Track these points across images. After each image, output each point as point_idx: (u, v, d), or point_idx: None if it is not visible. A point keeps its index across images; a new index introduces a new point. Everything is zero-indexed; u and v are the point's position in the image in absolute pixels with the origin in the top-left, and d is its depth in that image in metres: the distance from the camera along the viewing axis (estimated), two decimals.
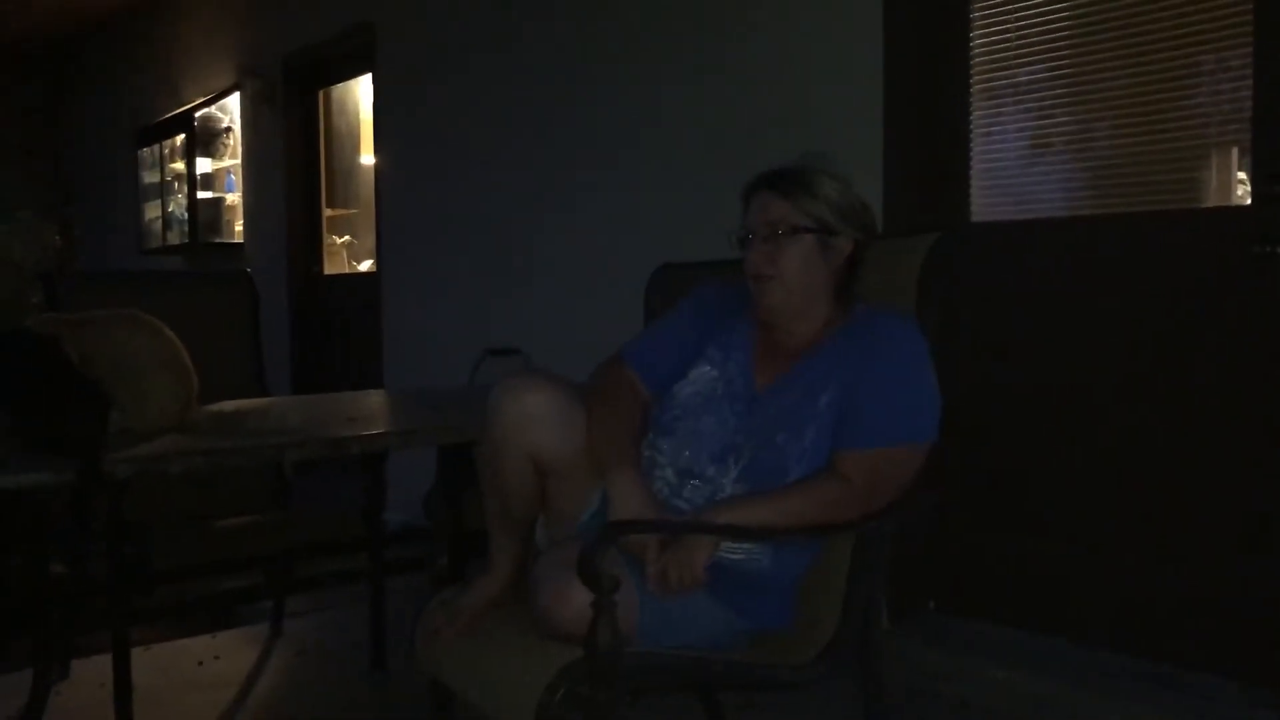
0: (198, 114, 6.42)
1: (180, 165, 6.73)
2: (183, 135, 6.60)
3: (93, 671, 2.88)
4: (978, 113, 3.07)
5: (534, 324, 4.40)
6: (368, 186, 6.14)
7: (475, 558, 2.82)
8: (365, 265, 6.07)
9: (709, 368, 1.85)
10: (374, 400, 3.02)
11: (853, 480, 1.68)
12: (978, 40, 3.05)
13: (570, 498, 1.82)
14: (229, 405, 2.44)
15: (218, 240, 6.50)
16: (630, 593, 1.60)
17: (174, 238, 6.79)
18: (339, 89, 6.06)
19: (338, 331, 5.89)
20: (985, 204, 3.09)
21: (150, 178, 7.13)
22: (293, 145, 5.98)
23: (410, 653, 1.90)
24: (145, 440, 2.04)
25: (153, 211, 7.14)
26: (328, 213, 6.10)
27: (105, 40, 7.90)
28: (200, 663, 3.12)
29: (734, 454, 1.75)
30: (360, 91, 5.97)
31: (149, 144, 7.05)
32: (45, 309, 5.33)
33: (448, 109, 4.81)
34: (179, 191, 6.78)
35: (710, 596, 1.70)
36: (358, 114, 6.13)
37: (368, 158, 6.04)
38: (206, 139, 6.46)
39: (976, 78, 3.06)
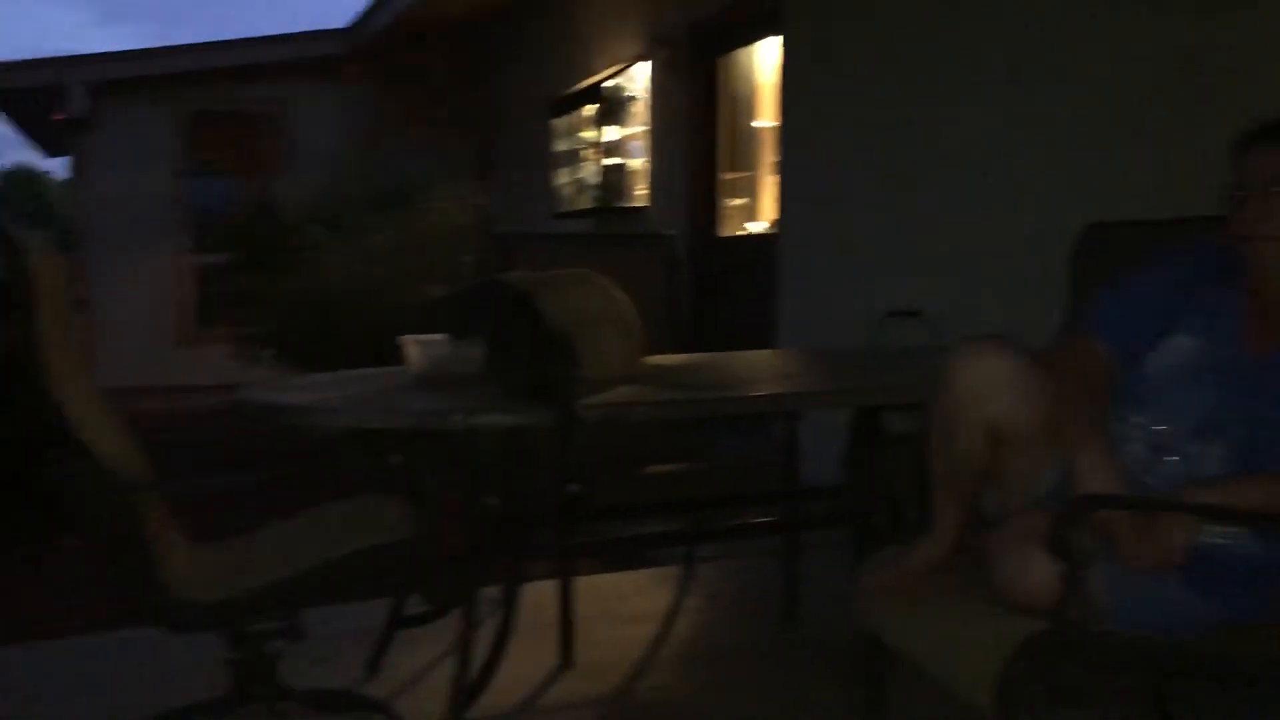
0: (607, 84, 6.79)
1: (590, 134, 7.16)
2: (594, 105, 7.02)
3: (529, 597, 3.17)
4: None
5: (939, 286, 4.31)
6: (760, 149, 6.26)
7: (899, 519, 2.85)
8: (756, 227, 6.19)
9: (1186, 337, 1.73)
10: (795, 359, 3.08)
11: None
12: None
13: (1027, 469, 1.78)
14: (668, 359, 2.59)
15: (622, 205, 6.86)
16: (1099, 568, 1.55)
17: (583, 203, 7.25)
18: (740, 53, 6.19)
19: (733, 291, 6.05)
20: None
21: (562, 145, 7.64)
22: (694, 111, 6.20)
23: (853, 607, 1.94)
24: (598, 390, 2.21)
25: (564, 177, 7.65)
26: (725, 176, 6.27)
27: (526, 15, 8.51)
28: (623, 598, 3.36)
29: (1217, 430, 1.63)
30: (758, 56, 6.06)
31: (561, 114, 7.56)
32: (474, 268, 5.90)
33: (858, 67, 4.78)
34: (589, 159, 7.22)
35: (1184, 581, 1.60)
36: (754, 78, 6.23)
37: (765, 121, 6.14)
38: (614, 108, 6.83)
39: None
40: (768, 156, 6.04)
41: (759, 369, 2.62)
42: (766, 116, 6.02)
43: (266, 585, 2.02)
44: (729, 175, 6.33)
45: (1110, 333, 1.81)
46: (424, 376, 2.32)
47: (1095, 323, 1.83)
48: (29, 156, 48.55)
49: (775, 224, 5.52)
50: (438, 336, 2.40)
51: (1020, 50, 3.89)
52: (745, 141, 6.40)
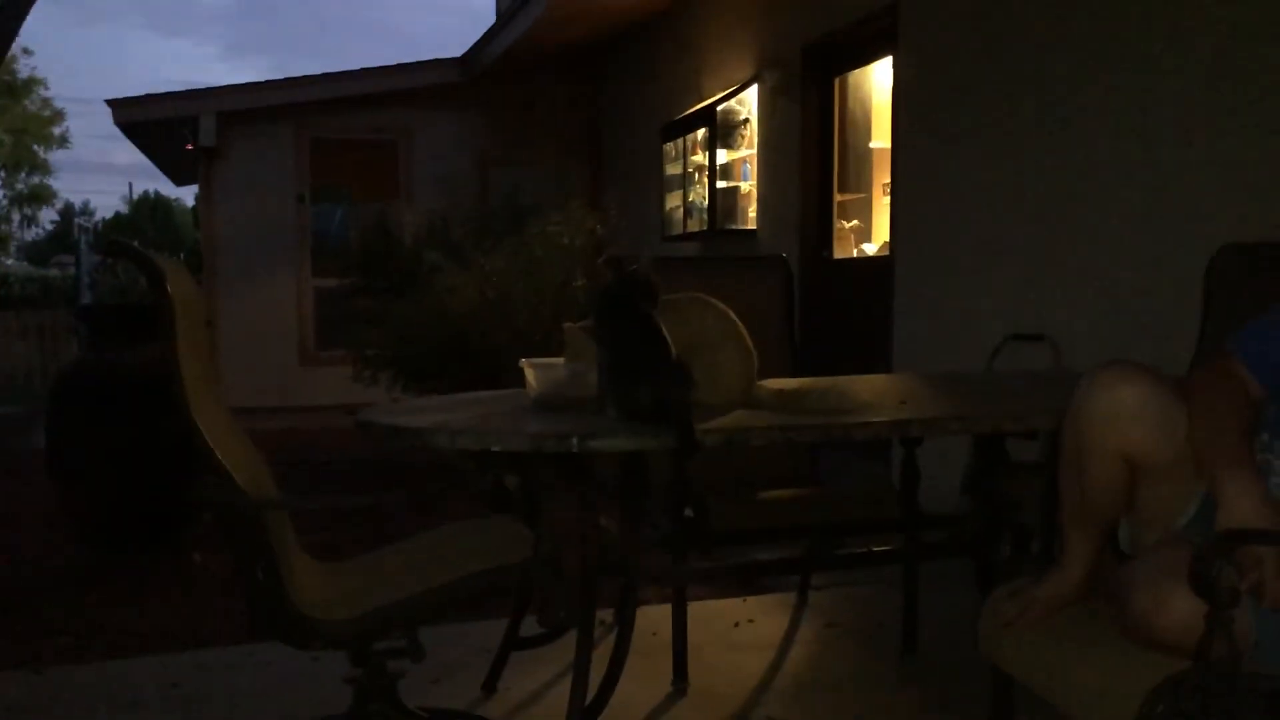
0: (719, 107, 6.80)
1: (700, 157, 7.17)
2: (704, 129, 7.03)
3: (641, 621, 3.16)
4: None
5: (1061, 310, 4.19)
6: (875, 170, 6.19)
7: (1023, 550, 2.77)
8: (869, 248, 6.11)
9: None
10: (914, 383, 3.02)
11: None
12: None
13: (1164, 500, 1.71)
14: (789, 383, 2.56)
15: (733, 227, 6.85)
16: (1244, 607, 1.47)
17: (693, 225, 7.26)
18: (853, 75, 6.14)
19: (845, 314, 5.98)
20: None
21: (672, 169, 7.67)
22: (808, 132, 6.16)
23: (979, 640, 1.88)
24: (715, 414, 2.19)
25: (673, 201, 7.68)
26: (838, 198, 6.21)
27: (640, 39, 8.58)
28: (736, 624, 3.33)
29: None
30: (874, 76, 6.01)
31: (673, 139, 7.58)
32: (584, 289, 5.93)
33: (976, 85, 4.70)
34: (699, 181, 7.23)
35: None
36: (870, 98, 6.18)
37: (877, 142, 6.07)
38: (725, 131, 6.83)
39: None
40: (882, 177, 5.96)
41: (878, 393, 2.57)
42: (881, 137, 5.95)
43: (389, 604, 2.06)
44: (842, 197, 6.28)
45: (1254, 356, 1.73)
46: (542, 399, 2.34)
47: (1241, 350, 1.75)
48: (158, 184, 50.81)
49: (890, 246, 5.45)
50: (556, 360, 2.43)
51: (1152, 67, 3.77)
52: (859, 162, 6.34)
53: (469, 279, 5.98)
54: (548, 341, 4.80)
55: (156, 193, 41.84)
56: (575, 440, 1.96)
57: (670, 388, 2.04)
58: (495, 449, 2.02)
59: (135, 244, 1.99)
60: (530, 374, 2.38)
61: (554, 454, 2.05)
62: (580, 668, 2.24)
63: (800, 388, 2.43)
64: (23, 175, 32.87)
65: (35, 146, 32.13)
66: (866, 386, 2.67)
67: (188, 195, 37.77)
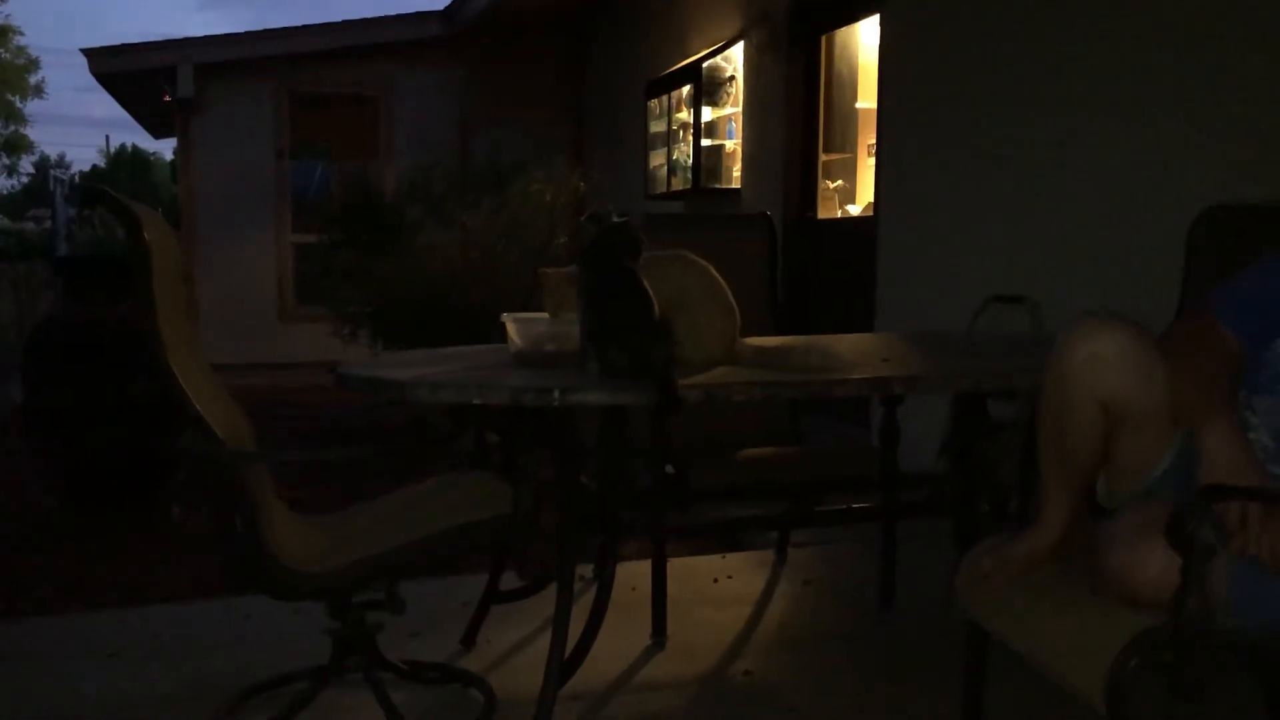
0: (704, 64, 6.74)
1: (685, 114, 7.12)
2: (689, 86, 6.98)
3: (620, 576, 3.17)
4: None
5: (1044, 271, 4.19)
6: (860, 130, 6.16)
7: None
8: (853, 210, 6.10)
9: None
10: (896, 342, 3.03)
11: None
12: None
13: (1141, 451, 1.71)
14: (771, 341, 2.56)
15: (716, 186, 6.82)
16: (1220, 561, 1.48)
17: (677, 184, 7.22)
18: (840, 34, 6.10)
19: (828, 274, 5.98)
20: None
21: (656, 127, 7.61)
22: (793, 91, 6.12)
23: (956, 595, 1.90)
24: (697, 371, 2.19)
25: (657, 159, 7.63)
26: (823, 157, 6.19)
27: None
28: (715, 580, 3.35)
29: None
30: (861, 35, 5.96)
31: (657, 95, 7.52)
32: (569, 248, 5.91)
33: (961, 46, 4.67)
34: (683, 140, 7.18)
35: None
36: (856, 58, 6.13)
37: (863, 102, 6.04)
38: (710, 89, 6.78)
39: None
40: (867, 138, 5.94)
41: (861, 352, 2.57)
42: (866, 97, 5.91)
43: (370, 556, 2.06)
44: (827, 157, 6.25)
45: (1236, 319, 1.73)
46: (523, 354, 2.33)
47: (1221, 308, 1.76)
48: (135, 137, 50.17)
49: (874, 206, 5.44)
50: (538, 315, 2.41)
51: (1136, 28, 3.76)
52: (844, 122, 6.31)
53: (450, 237, 5.94)
54: (528, 300, 4.78)
55: (134, 146, 41.39)
56: (557, 394, 1.96)
57: (652, 344, 2.03)
58: (476, 402, 2.01)
59: (110, 191, 1.96)
60: (512, 329, 2.37)
61: (534, 409, 2.04)
62: (560, 621, 2.25)
63: (782, 346, 2.42)
64: None
65: (10, 96, 31.70)
66: (849, 345, 2.67)
67: (166, 150, 37.41)
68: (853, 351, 2.52)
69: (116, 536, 4.09)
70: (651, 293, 2.15)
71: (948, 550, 3.11)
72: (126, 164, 40.56)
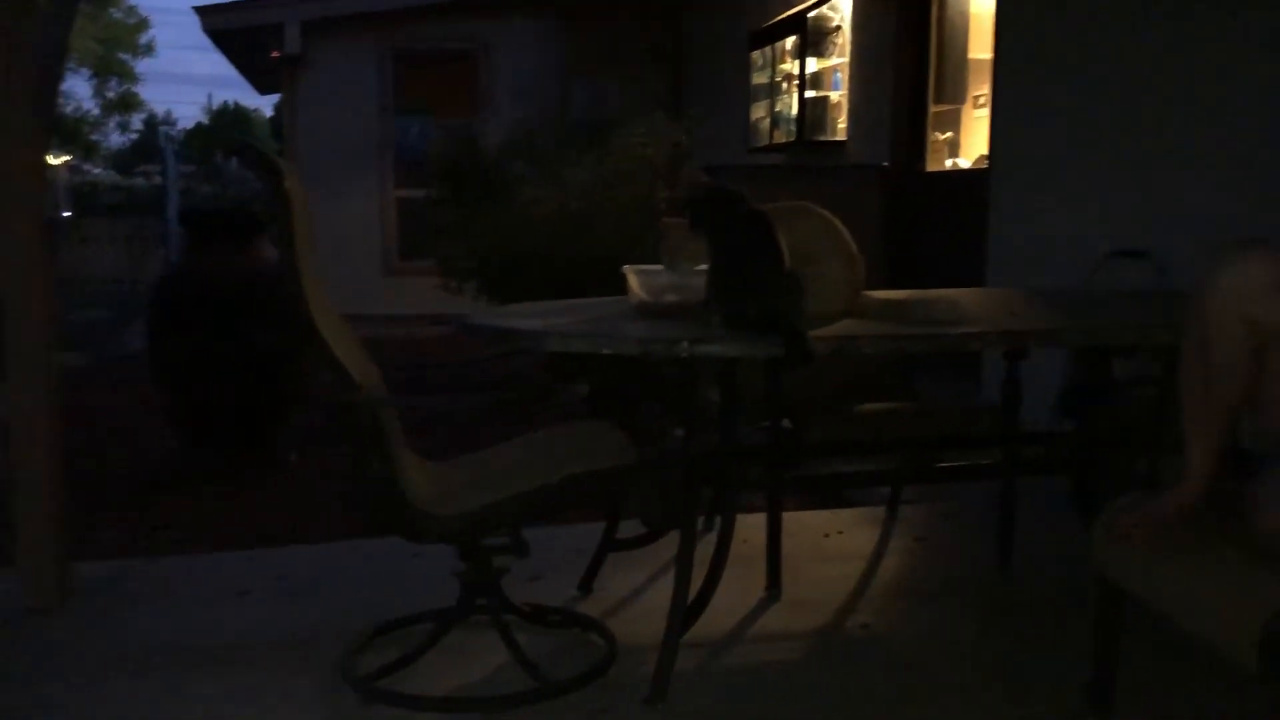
0: (810, 14, 6.62)
1: (790, 65, 7.01)
2: (794, 37, 6.87)
3: (735, 530, 3.18)
4: None
5: (1166, 226, 4.06)
6: (971, 81, 6.00)
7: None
8: (963, 162, 5.96)
9: None
10: (1015, 297, 2.96)
11: None
12: None
13: None
14: (889, 294, 2.52)
15: (821, 138, 6.72)
16: None
17: (780, 137, 7.13)
18: None
19: (938, 228, 5.86)
20: None
21: (759, 78, 7.52)
22: (902, 41, 5.98)
23: (1092, 553, 1.86)
24: (821, 324, 2.17)
25: (759, 111, 7.54)
26: (933, 109, 6.05)
27: None
28: (826, 535, 3.34)
29: None
30: None
31: (760, 46, 7.42)
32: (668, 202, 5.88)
33: None
34: (787, 91, 7.08)
35: None
36: (968, 6, 5.96)
37: (976, 53, 5.87)
38: (816, 39, 6.66)
39: None
40: (975, 90, 5.78)
41: (984, 306, 2.52)
42: (980, 48, 5.75)
43: (499, 500, 2.10)
44: (937, 109, 6.10)
45: None
46: (645, 305, 2.34)
47: None
48: (236, 95, 51.27)
49: (987, 159, 5.30)
50: (657, 266, 2.41)
51: None
52: (955, 73, 6.14)
53: (551, 192, 5.96)
54: (627, 253, 4.77)
55: (236, 103, 42.25)
56: (686, 344, 1.96)
57: (782, 296, 2.01)
58: (605, 352, 2.02)
59: (253, 143, 2.01)
60: (633, 280, 2.37)
61: (659, 359, 2.05)
62: (682, 569, 2.27)
63: (905, 299, 2.39)
64: (112, 83, 33.47)
65: (123, 55, 32.63)
66: (971, 300, 2.63)
67: (266, 106, 38.14)
68: (976, 305, 2.47)
69: (236, 479, 4.24)
70: (783, 244, 2.13)
71: (1064, 509, 3.07)
72: (229, 120, 41.46)
